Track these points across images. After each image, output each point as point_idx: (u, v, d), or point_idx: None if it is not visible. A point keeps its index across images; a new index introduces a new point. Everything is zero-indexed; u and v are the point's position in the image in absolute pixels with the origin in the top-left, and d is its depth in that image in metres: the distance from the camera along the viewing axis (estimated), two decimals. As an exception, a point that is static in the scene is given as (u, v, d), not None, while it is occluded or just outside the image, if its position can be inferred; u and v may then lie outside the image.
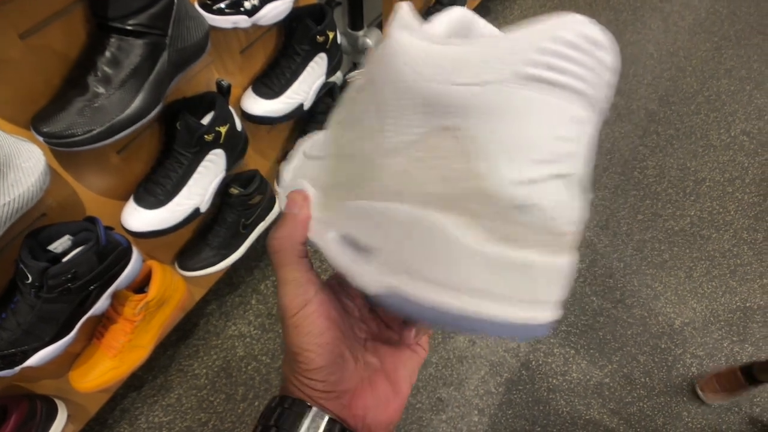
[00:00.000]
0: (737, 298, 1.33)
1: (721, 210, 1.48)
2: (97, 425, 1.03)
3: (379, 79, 0.19)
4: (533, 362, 1.22)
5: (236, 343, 1.18)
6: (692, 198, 1.50)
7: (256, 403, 1.11)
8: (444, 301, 0.17)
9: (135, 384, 1.09)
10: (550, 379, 1.20)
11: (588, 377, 1.21)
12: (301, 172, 0.27)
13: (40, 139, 0.55)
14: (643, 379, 1.22)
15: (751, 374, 1.14)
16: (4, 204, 0.51)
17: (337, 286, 0.28)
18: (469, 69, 0.16)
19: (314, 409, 0.23)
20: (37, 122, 0.55)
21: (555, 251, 0.17)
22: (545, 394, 1.18)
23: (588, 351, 1.24)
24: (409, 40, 0.17)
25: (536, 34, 0.16)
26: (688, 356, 1.24)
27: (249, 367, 1.16)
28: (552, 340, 1.25)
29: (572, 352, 1.24)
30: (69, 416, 0.79)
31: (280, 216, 0.25)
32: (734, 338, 1.27)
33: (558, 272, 0.17)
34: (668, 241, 1.41)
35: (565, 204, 0.16)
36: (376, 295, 0.18)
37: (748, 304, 1.33)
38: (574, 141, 0.16)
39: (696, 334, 1.27)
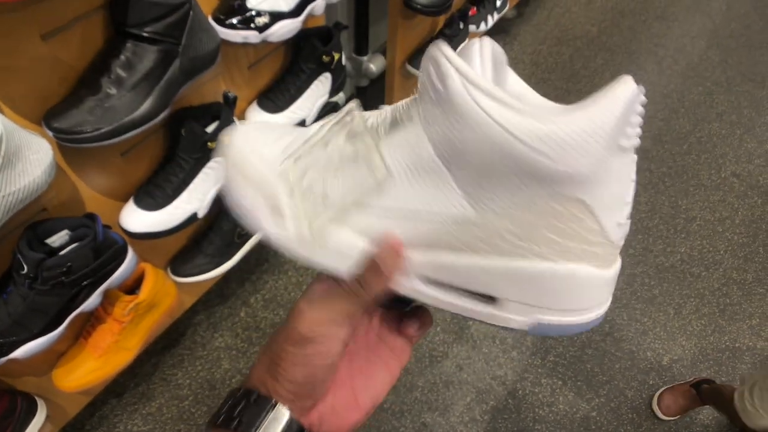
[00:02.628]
0: (726, 338, 1.34)
1: (711, 249, 1.50)
2: (74, 431, 1.01)
3: (471, 146, 0.21)
4: (520, 391, 1.21)
5: (222, 355, 1.17)
6: (683, 235, 1.52)
7: (238, 418, 1.09)
8: (575, 320, 0.23)
9: (116, 390, 1.08)
10: (537, 410, 1.19)
11: (575, 410, 1.20)
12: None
13: (50, 134, 0.58)
14: (630, 415, 1.21)
15: (699, 391, 1.17)
16: (11, 193, 0.53)
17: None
18: (575, 150, 0.20)
19: (277, 406, 0.24)
20: (48, 118, 0.57)
21: (613, 263, 0.24)
22: (531, 424, 1.17)
23: (575, 383, 1.23)
24: (499, 111, 0.20)
25: (616, 109, 0.19)
26: (676, 393, 1.23)
27: (233, 381, 1.14)
28: (539, 370, 1.24)
29: (559, 383, 1.23)
30: (48, 416, 0.78)
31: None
32: (723, 378, 1.26)
33: (614, 278, 0.24)
34: (658, 276, 1.42)
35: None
36: (519, 329, 0.24)
37: (737, 344, 1.33)
38: (631, 197, 0.23)
39: (685, 372, 1.27)
